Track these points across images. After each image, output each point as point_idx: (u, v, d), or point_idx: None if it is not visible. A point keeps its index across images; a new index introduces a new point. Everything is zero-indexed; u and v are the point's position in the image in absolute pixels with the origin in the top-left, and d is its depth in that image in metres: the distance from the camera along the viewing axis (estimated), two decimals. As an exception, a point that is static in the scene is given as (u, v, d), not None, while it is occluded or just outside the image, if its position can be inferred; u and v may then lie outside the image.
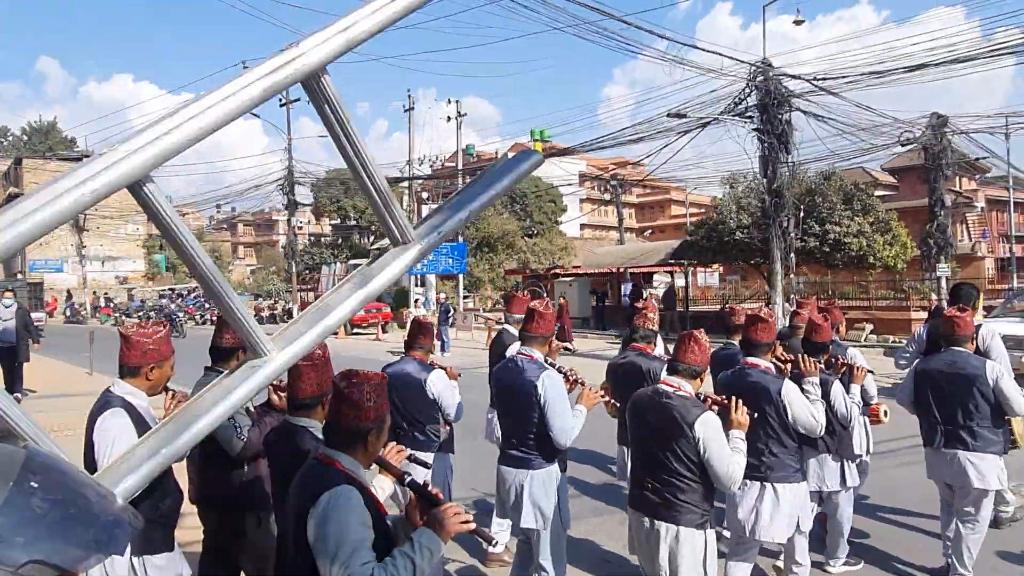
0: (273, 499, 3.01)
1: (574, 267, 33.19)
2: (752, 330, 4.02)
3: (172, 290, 41.94)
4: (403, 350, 4.71)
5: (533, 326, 3.89)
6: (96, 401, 2.87)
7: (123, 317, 35.54)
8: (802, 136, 18.37)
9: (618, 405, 4.41)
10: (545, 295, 24.17)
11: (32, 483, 0.82)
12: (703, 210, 40.40)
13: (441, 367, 4.42)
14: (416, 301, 21.94)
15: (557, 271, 32.97)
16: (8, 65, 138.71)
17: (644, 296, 24.55)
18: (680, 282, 28.54)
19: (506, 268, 37.53)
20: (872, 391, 4.81)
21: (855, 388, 4.48)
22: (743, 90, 17.75)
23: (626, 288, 25.33)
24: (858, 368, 4.54)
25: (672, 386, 3.27)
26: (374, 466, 2.38)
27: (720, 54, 18.34)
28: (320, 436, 2.61)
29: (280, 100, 30.10)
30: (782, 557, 4.41)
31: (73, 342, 19.07)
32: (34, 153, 53.17)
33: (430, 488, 2.26)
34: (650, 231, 57.16)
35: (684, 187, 42.39)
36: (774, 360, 4.12)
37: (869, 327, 19.55)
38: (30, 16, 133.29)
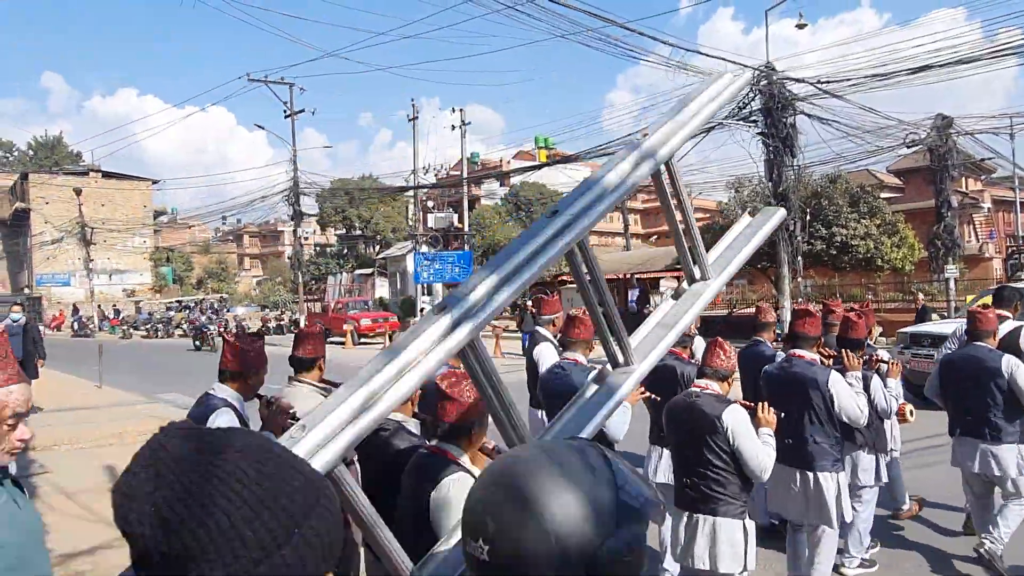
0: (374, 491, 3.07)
1: (580, 274, 33.14)
2: (800, 324, 4.24)
3: (179, 302, 42.06)
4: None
5: (575, 332, 4.12)
6: (196, 404, 3.03)
7: (131, 329, 35.65)
8: (807, 139, 18.33)
9: (657, 399, 4.55)
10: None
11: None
12: (708, 215, 40.35)
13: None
14: (422, 310, 21.94)
15: (563, 278, 32.97)
16: (12, 80, 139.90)
17: (648, 302, 24.51)
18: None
19: (512, 276, 37.52)
20: (898, 391, 4.92)
21: (892, 382, 4.66)
22: (747, 94, 17.75)
23: (633, 294, 25.29)
24: (893, 363, 4.78)
25: (700, 387, 3.46)
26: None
27: (724, 59, 18.29)
28: (412, 431, 2.89)
29: (285, 111, 30.25)
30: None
31: (81, 355, 19.13)
32: (40, 168, 53.48)
33: None
34: (656, 236, 57.15)
35: (689, 192, 42.30)
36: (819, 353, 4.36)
37: (878, 329, 19.42)
38: (33, 31, 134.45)
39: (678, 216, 1.78)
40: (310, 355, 3.56)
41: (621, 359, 1.79)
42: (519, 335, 21.79)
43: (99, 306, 41.81)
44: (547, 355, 4.84)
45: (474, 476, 2.22)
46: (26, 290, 48.65)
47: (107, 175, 50.28)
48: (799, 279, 19.09)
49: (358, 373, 1.50)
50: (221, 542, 0.68)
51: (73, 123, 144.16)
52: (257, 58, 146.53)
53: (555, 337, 5.02)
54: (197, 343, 25.04)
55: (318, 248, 51.47)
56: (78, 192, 40.53)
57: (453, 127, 30.40)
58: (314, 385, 3.50)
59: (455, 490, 2.21)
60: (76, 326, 37.20)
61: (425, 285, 28.11)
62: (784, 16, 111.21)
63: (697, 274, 1.93)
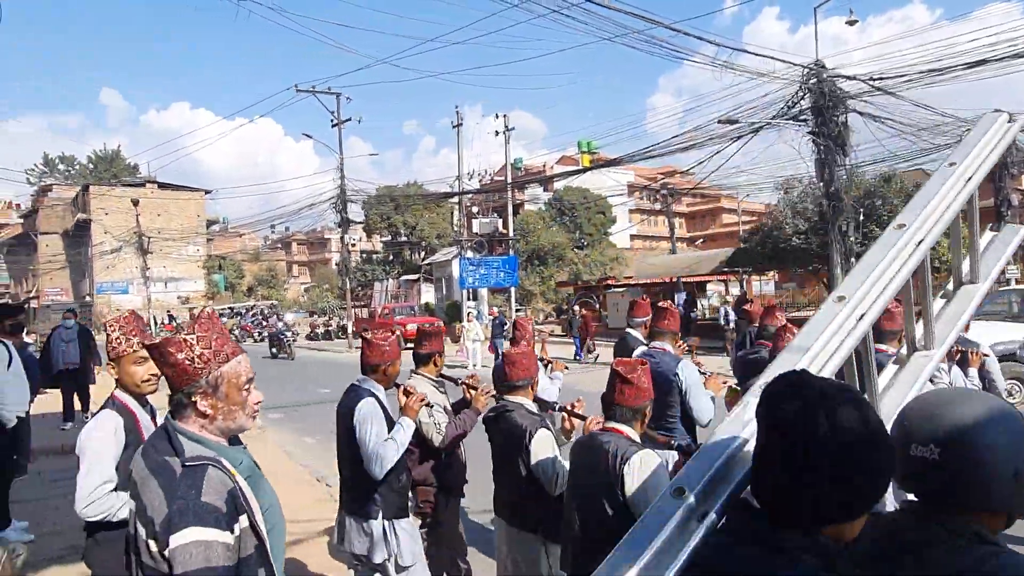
0: (498, 467, 3.47)
1: (626, 278, 32.99)
2: (881, 320, 4.44)
3: (231, 308, 43.14)
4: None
5: (664, 323, 4.44)
6: (346, 394, 3.48)
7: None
8: (859, 138, 17.89)
9: (739, 389, 4.75)
10: (597, 306, 24.10)
11: None
12: (756, 217, 39.70)
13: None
14: (468, 314, 22.05)
15: (608, 282, 32.81)
16: (73, 97, 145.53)
17: (696, 306, 24.20)
18: (735, 290, 28.03)
19: (557, 280, 37.49)
20: (977, 380, 5.04)
21: (972, 371, 4.82)
22: (796, 93, 17.43)
23: (680, 297, 25.00)
24: (973, 353, 4.85)
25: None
26: None
27: (772, 57, 18.00)
28: (532, 410, 3.34)
29: (332, 120, 30.81)
30: None
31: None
32: (100, 180, 55.46)
33: None
34: (701, 240, 56.42)
35: (735, 195, 41.76)
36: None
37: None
38: (92, 50, 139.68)
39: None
40: (426, 351, 4.10)
41: (921, 343, 2.11)
42: (570, 340, 21.78)
43: (154, 315, 43.13)
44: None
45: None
46: (87, 298, 50.50)
47: (163, 186, 51.94)
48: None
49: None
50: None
51: (130, 137, 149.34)
52: (304, 68, 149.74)
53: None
54: (274, 350, 24.69)
55: (364, 255, 52.18)
56: (135, 203, 41.89)
57: (497, 132, 30.55)
58: (429, 378, 4.04)
59: (646, 462, 2.51)
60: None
61: (470, 290, 28.29)
62: (831, 14, 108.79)
63: (967, 277, 2.31)
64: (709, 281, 30.78)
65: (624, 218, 47.57)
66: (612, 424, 2.72)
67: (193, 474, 1.64)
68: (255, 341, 35.17)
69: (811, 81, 17.18)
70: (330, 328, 34.34)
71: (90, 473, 2.65)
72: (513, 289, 28.84)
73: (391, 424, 3.35)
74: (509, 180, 30.46)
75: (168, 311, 43.73)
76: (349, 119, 31.08)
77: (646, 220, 52.78)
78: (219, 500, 1.62)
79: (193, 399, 1.73)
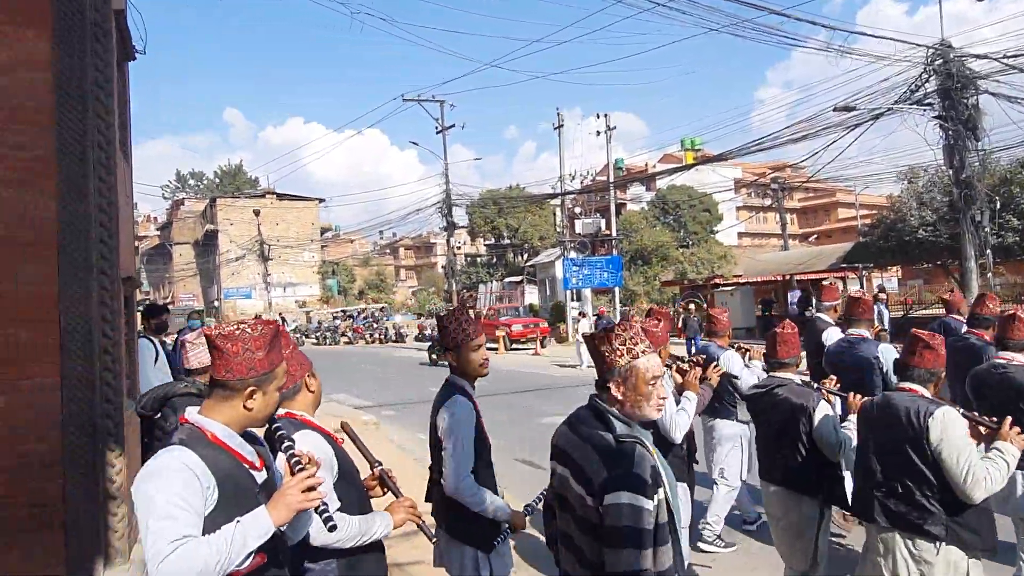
0: (774, 437, 3.69)
1: (735, 276, 31.93)
2: (1009, 328, 4.11)
3: (344, 311, 44.97)
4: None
5: (858, 311, 4.85)
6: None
7: (303, 337, 38.58)
8: (992, 121, 16.54)
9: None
10: (704, 305, 23.41)
11: None
12: (875, 211, 37.44)
13: None
14: (582, 315, 21.94)
15: (716, 281, 31.87)
16: (202, 119, 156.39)
17: (811, 305, 23.07)
18: (853, 287, 26.56)
19: (662, 280, 36.80)
20: None
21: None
22: (920, 76, 16.32)
23: (793, 296, 23.94)
24: None
25: (1006, 359, 3.87)
26: None
27: (892, 39, 16.99)
28: (802, 385, 3.64)
29: (436, 127, 31.58)
30: None
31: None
32: (224, 193, 59.34)
33: None
34: (815, 236, 53.83)
35: (852, 187, 39.60)
36: None
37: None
38: (218, 73, 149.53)
39: None
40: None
41: None
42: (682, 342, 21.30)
43: (256, 315, 45.58)
44: (835, 336, 5.47)
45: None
46: (215, 303, 54.12)
47: (280, 197, 54.95)
48: (988, 275, 17.20)
49: None
50: None
51: (251, 152, 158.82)
52: (410, 78, 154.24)
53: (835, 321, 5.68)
54: (433, 356, 21.62)
55: (469, 258, 53.14)
56: (257, 213, 44.52)
57: (598, 133, 30.35)
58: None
59: (948, 416, 2.82)
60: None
61: (574, 291, 28.22)
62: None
63: None
64: (825, 278, 29.32)
65: (731, 215, 46.09)
66: (908, 384, 3.02)
67: (625, 448, 2.01)
68: (367, 343, 36.56)
69: (937, 62, 16.04)
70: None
71: (455, 456, 2.87)
72: (617, 289, 28.54)
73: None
74: (611, 179, 30.19)
75: (280, 314, 46.16)
76: (452, 125, 31.76)
77: (755, 217, 50.90)
78: (645, 473, 1.97)
79: (608, 385, 2.10)
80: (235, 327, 1.87)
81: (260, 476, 1.91)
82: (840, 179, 31.58)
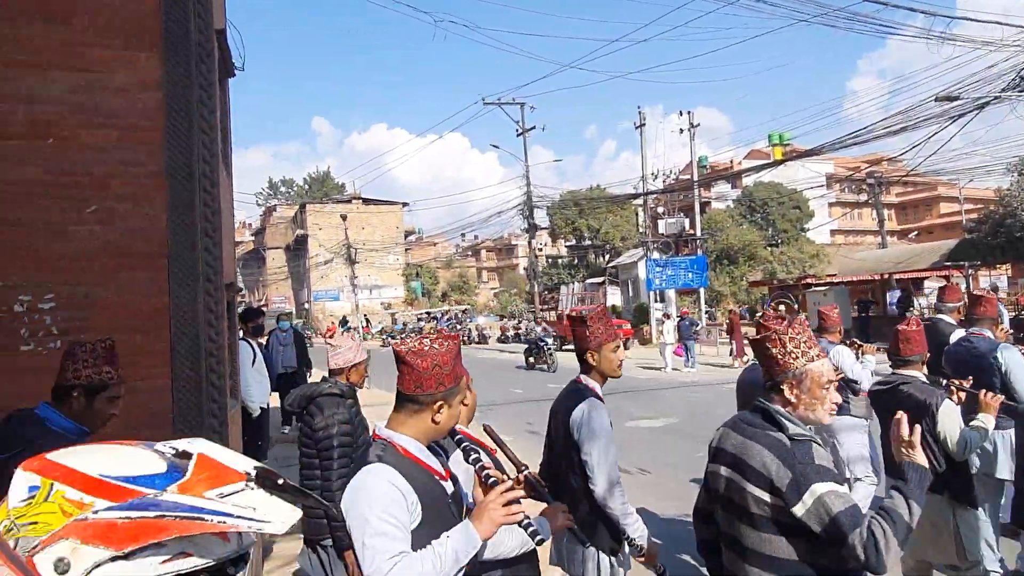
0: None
1: (828, 276, 30.65)
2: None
3: (428, 313, 45.78)
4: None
5: (981, 310, 4.66)
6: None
7: (389, 338, 39.54)
8: (1119, 105, 15.21)
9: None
10: (796, 307, 22.58)
11: None
12: (982, 205, 35.18)
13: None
14: (666, 316, 21.57)
15: (808, 280, 30.68)
16: (290, 128, 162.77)
17: (912, 305, 21.90)
18: (961, 286, 25.00)
19: (750, 280, 35.74)
20: None
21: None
22: (1032, 59, 15.22)
23: (893, 296, 22.79)
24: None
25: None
26: None
27: (999, 23, 15.91)
28: (927, 382, 3.66)
29: (517, 130, 31.75)
30: None
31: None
32: (313, 199, 61.54)
33: None
34: (915, 233, 51.04)
35: (956, 180, 37.33)
36: None
37: None
38: (306, 84, 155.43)
39: None
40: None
41: None
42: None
43: (338, 318, 46.93)
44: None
45: None
46: (305, 305, 56.17)
47: (366, 201, 56.54)
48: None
49: None
50: None
51: (337, 159, 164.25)
52: (490, 81, 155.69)
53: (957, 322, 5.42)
54: (531, 359, 20.66)
55: (550, 259, 53.14)
56: (344, 218, 45.92)
57: (681, 130, 29.79)
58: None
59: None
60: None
61: (657, 292, 27.78)
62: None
63: None
64: (927, 277, 27.75)
65: (823, 213, 44.28)
66: None
67: (802, 445, 2.04)
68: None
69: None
70: (519, 331, 35.34)
71: (603, 461, 2.83)
72: (702, 290, 27.90)
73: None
74: (695, 177, 29.55)
75: (364, 315, 47.29)
76: (533, 127, 31.87)
77: (849, 214, 48.72)
78: (828, 463, 2.05)
79: (780, 387, 2.12)
80: (422, 343, 1.92)
81: (448, 487, 1.97)
82: (942, 172, 29.84)
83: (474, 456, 2.00)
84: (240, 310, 8.39)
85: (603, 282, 38.75)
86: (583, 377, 3.04)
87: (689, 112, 29.56)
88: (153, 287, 4.28)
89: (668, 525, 5.78)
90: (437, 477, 1.92)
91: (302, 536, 3.68)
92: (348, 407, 3.67)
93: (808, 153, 26.32)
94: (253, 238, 69.26)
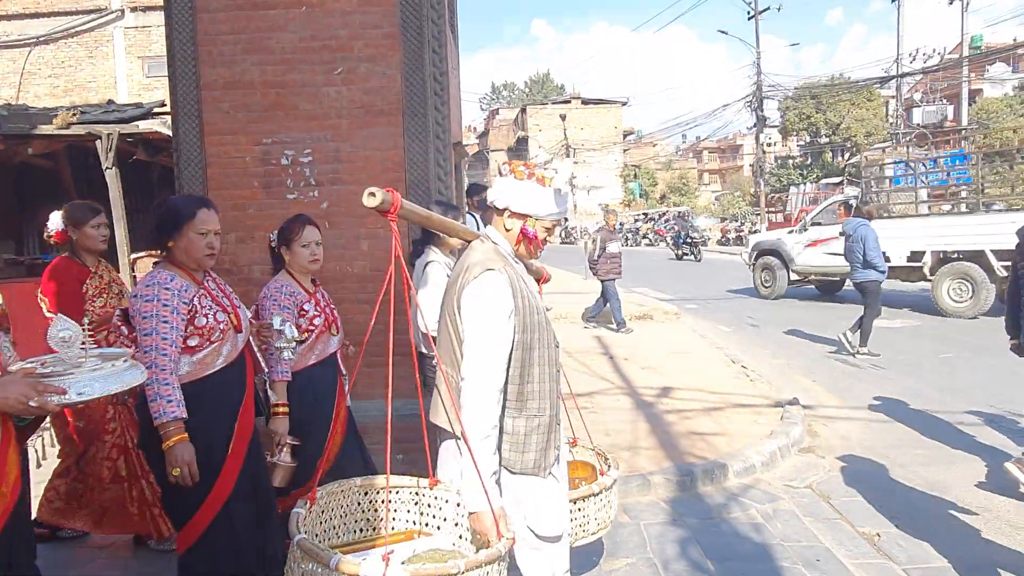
0: None
1: None
2: None
3: (645, 214, 45.19)
4: None
5: None
6: None
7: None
8: None
9: None
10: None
11: None
12: None
13: None
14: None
15: None
16: (513, 32, 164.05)
17: None
18: None
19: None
20: None
21: None
22: None
23: None
24: None
25: None
26: None
27: None
28: None
29: (748, 12, 29.20)
30: None
31: (568, 257, 22.55)
32: (533, 101, 62.24)
33: None
34: None
35: None
36: None
37: None
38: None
39: None
40: None
41: None
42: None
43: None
44: None
45: None
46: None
47: (585, 102, 56.02)
48: None
49: None
50: None
51: (557, 61, 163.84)
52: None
53: None
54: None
55: (779, 160, 49.38)
56: (563, 118, 46.06)
57: (950, 1, 25.48)
58: None
59: None
60: (563, 235, 43.08)
61: (905, 191, 24.72)
62: None
63: None
64: None
65: None
66: None
67: None
68: (667, 245, 36.43)
69: None
70: (741, 234, 33.75)
71: None
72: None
73: None
74: (966, 55, 25.38)
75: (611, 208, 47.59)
76: (767, 8, 29.10)
77: None
78: None
79: None
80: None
81: None
82: None
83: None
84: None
85: (840, 182, 35.28)
86: None
87: (962, -22, 25.11)
88: (389, 141, 4.64)
89: None
90: None
91: None
92: None
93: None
94: (478, 141, 72.17)
